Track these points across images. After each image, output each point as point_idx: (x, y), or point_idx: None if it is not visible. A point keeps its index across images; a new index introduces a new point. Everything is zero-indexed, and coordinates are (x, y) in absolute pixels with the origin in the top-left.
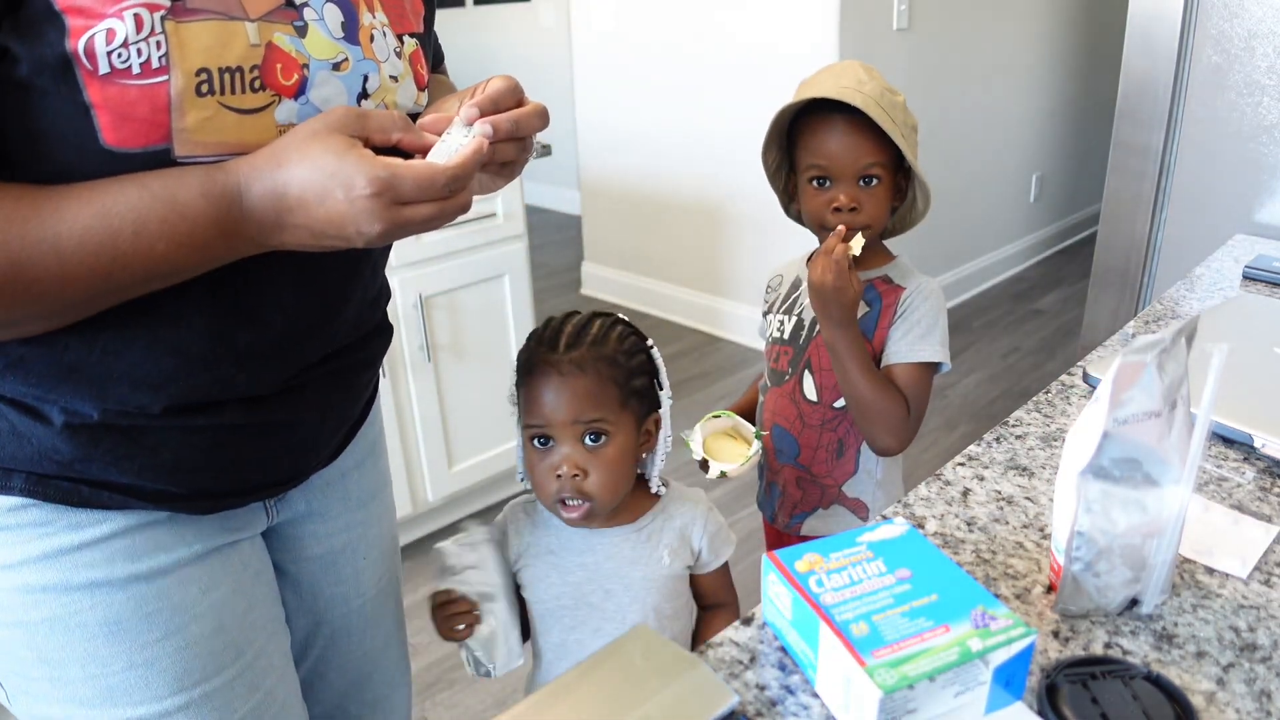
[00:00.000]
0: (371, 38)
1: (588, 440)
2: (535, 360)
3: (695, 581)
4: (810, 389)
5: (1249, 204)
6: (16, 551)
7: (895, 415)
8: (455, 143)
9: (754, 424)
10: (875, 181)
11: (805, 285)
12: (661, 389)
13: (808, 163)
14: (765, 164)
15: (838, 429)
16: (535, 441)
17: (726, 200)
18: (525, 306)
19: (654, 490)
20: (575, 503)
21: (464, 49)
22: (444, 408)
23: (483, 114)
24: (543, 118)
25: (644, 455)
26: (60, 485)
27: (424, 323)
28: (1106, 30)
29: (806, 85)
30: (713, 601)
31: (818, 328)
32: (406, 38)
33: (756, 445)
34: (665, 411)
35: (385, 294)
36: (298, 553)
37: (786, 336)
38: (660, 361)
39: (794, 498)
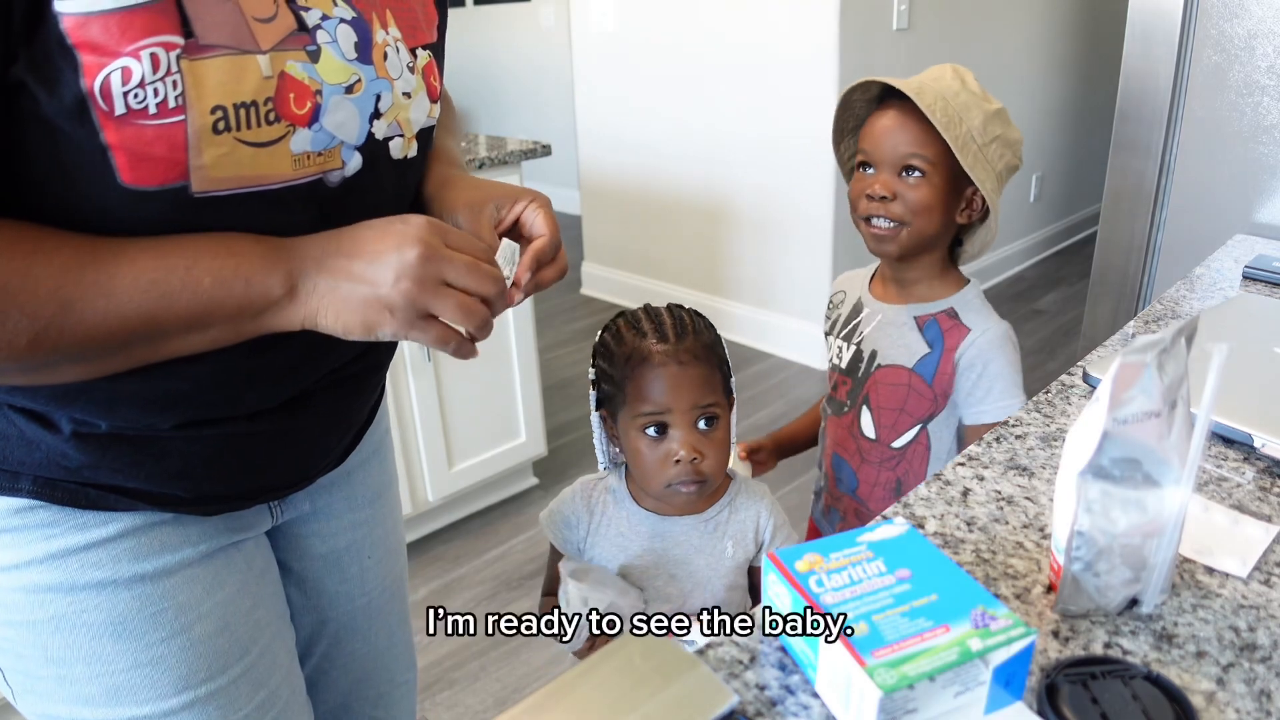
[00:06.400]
0: (385, 55)
1: (701, 425)
2: (648, 352)
3: (753, 574)
4: (868, 426)
5: (1249, 204)
6: (23, 552)
7: None
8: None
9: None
10: (917, 174)
11: (867, 312)
12: (731, 377)
13: (858, 148)
14: (837, 155)
15: (896, 468)
16: (649, 431)
17: (726, 200)
18: (525, 306)
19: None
20: (690, 487)
21: (464, 49)
22: (444, 408)
23: (531, 272)
24: (562, 274)
25: None
26: (68, 488)
27: None
28: (1106, 30)
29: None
30: None
31: (876, 362)
32: (420, 50)
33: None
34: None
35: None
36: (302, 551)
37: (845, 366)
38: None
39: (852, 526)
